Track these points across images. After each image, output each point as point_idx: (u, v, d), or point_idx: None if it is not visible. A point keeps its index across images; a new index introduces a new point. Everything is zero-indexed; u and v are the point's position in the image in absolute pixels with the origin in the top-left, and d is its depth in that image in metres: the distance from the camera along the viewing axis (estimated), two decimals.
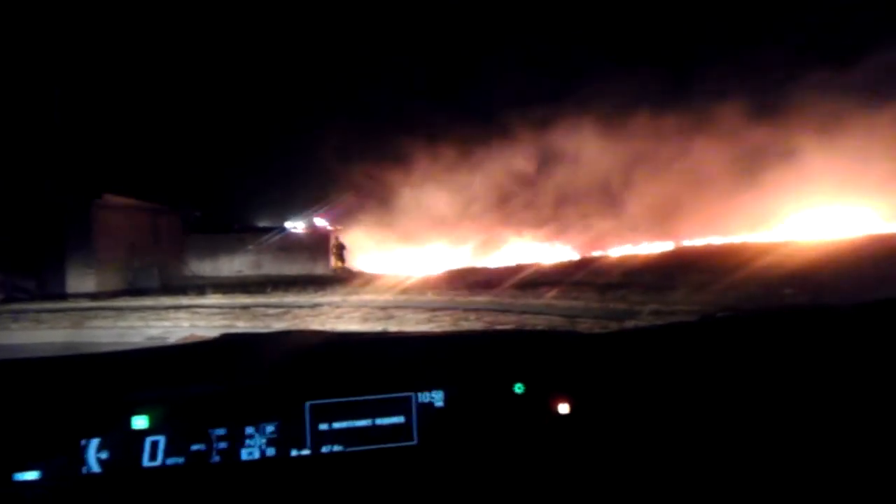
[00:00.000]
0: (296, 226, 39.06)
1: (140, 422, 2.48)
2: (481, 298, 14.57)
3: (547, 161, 30.99)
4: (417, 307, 14.11)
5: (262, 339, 3.30)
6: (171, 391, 2.60)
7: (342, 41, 40.42)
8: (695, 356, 3.12)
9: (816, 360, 3.06)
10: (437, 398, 2.79)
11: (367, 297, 15.74)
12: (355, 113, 40.18)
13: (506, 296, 14.99)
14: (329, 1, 41.26)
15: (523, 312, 13.21)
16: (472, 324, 13.04)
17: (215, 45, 39.22)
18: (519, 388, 2.85)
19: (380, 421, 2.71)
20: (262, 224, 39.61)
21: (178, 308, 15.53)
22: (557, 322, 12.05)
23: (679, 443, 2.86)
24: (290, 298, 16.40)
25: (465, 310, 13.79)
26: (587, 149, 30.43)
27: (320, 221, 38.89)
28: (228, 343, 3.22)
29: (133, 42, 36.11)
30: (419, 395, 2.77)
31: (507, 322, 12.93)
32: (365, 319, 13.48)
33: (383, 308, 14.09)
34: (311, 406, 2.64)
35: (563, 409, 2.85)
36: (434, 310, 13.79)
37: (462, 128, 32.02)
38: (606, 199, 29.72)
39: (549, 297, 14.19)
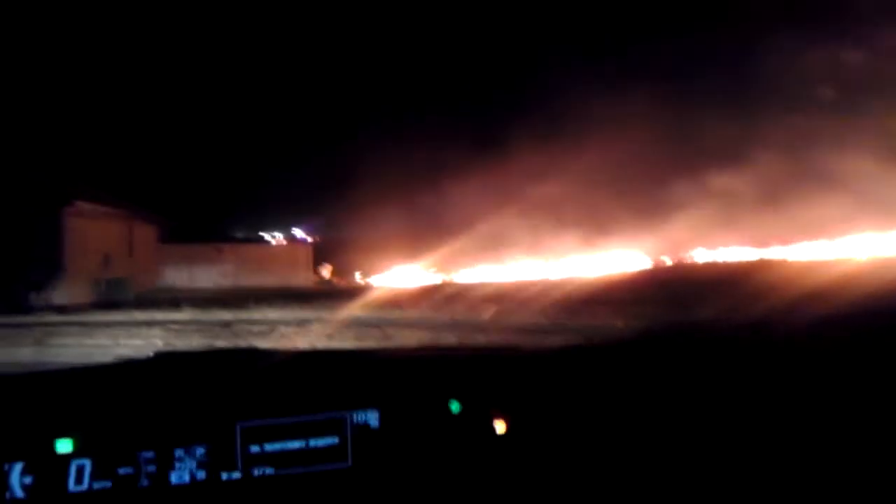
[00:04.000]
0: (274, 236, 38.18)
1: (65, 445, 2.44)
2: (485, 316, 13.36)
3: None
4: (416, 325, 12.87)
5: (194, 358, 3.30)
6: (97, 413, 2.56)
7: (319, 50, 39.18)
8: (630, 373, 3.19)
9: (737, 377, 3.20)
10: (372, 418, 2.78)
11: (359, 313, 14.41)
12: (336, 122, 39.02)
13: (509, 312, 13.96)
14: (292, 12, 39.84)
15: (535, 332, 12.07)
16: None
17: (192, 49, 37.99)
18: (455, 407, 2.86)
19: (313, 442, 2.71)
20: (239, 235, 38.62)
21: (151, 324, 14.04)
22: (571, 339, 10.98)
23: (616, 460, 2.89)
24: (274, 314, 14.97)
25: (473, 328, 12.62)
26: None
27: (299, 232, 38.07)
28: (160, 363, 3.14)
29: (105, 43, 34.79)
30: (353, 414, 2.77)
31: (517, 341, 11.70)
32: (359, 339, 12.23)
33: (378, 326, 12.82)
34: (243, 428, 2.63)
35: (501, 427, 2.88)
36: (435, 328, 12.55)
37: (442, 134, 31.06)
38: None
39: (561, 314, 13.08)
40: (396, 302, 15.85)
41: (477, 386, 2.95)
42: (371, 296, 17.53)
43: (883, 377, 3.21)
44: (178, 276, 31.87)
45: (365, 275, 30.31)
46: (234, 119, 38.78)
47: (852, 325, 3.97)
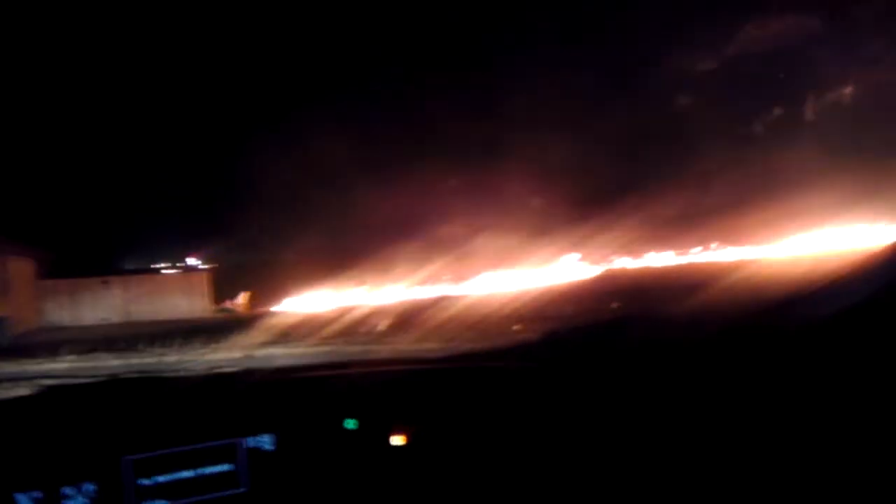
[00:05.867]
0: (166, 266, 35.87)
1: None
2: (432, 345, 11.29)
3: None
4: (354, 361, 10.55)
5: (79, 391, 3.31)
6: None
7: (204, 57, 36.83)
8: (530, 384, 3.24)
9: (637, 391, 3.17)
10: (266, 442, 2.76)
11: (277, 350, 11.95)
12: (226, 139, 36.75)
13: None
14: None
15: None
16: None
17: (69, 71, 35.17)
18: (352, 424, 2.91)
19: (206, 470, 2.66)
20: (128, 266, 36.06)
21: (18, 380, 11.33)
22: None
23: (518, 469, 2.94)
24: (172, 358, 12.32)
25: (421, 361, 10.39)
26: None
27: (193, 261, 35.82)
28: (43, 398, 3.01)
29: None
30: (246, 440, 2.74)
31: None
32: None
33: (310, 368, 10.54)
34: (131, 461, 2.56)
35: (400, 441, 2.91)
36: (379, 363, 10.27)
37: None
38: None
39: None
40: (317, 332, 13.71)
41: (374, 403, 2.99)
42: (285, 325, 15.28)
43: (799, 373, 3.15)
44: (62, 314, 29.95)
45: (279, 300, 28.37)
46: (117, 144, 35.98)
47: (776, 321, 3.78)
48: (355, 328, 14.58)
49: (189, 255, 35.66)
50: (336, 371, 3.78)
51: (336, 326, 14.80)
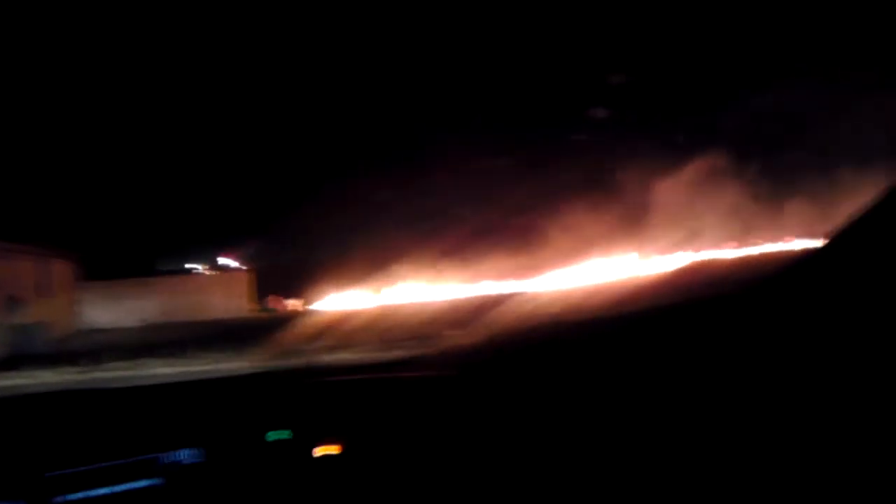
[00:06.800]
0: (202, 266, 35.42)
1: None
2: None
3: None
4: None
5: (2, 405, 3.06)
6: None
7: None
8: (456, 397, 3.20)
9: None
10: (191, 456, 2.66)
11: (349, 355, 10.34)
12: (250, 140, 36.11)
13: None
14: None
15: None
16: None
17: (99, 76, 34.52)
18: (282, 435, 2.81)
19: (128, 486, 2.56)
20: (164, 268, 35.60)
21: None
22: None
23: (450, 481, 2.83)
24: (229, 364, 10.92)
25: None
26: None
27: (229, 261, 35.27)
28: None
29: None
30: (170, 454, 2.65)
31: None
32: None
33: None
34: (50, 478, 2.48)
35: (333, 452, 2.81)
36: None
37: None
38: None
39: None
40: (390, 333, 12.70)
41: (305, 412, 2.91)
42: (356, 325, 14.30)
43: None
44: (101, 316, 29.26)
45: (321, 298, 27.92)
46: (154, 146, 35.40)
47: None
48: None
49: (222, 254, 35.20)
50: (264, 377, 3.79)
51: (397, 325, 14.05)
